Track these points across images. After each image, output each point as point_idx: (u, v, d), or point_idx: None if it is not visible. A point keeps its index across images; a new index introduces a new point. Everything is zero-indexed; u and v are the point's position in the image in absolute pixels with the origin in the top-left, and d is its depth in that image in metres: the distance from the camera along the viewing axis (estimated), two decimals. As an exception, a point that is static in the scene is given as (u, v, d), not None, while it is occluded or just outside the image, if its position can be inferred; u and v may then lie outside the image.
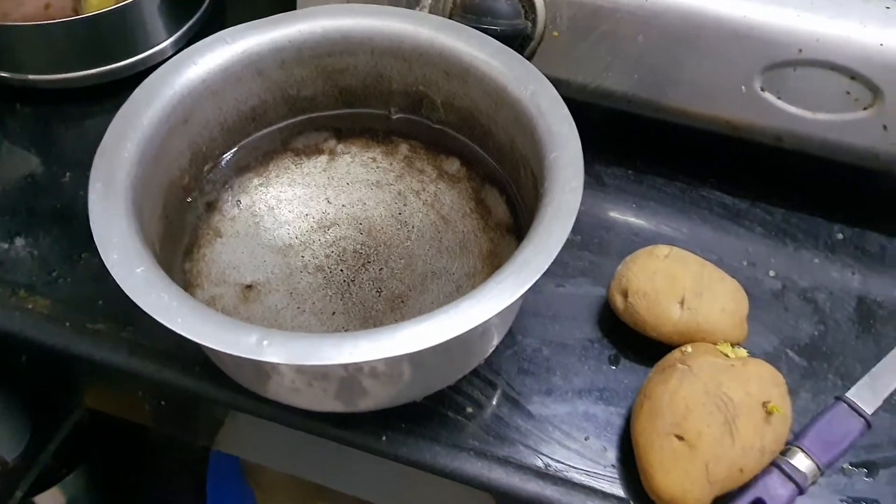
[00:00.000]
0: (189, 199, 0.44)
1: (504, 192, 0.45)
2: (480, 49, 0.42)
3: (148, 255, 0.34)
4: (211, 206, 0.44)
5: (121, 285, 0.32)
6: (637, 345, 0.43)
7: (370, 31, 0.44)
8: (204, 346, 0.31)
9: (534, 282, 0.32)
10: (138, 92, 0.40)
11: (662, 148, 0.53)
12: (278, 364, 0.30)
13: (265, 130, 0.47)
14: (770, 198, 0.50)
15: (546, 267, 0.33)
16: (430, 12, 0.50)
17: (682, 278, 0.42)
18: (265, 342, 0.30)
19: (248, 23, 0.43)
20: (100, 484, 0.82)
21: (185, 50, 0.42)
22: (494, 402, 0.42)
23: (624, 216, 0.50)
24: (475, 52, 0.42)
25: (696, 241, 0.48)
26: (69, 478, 0.76)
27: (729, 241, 0.49)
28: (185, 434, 0.57)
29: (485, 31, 0.45)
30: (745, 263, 0.47)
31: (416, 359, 0.35)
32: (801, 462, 0.37)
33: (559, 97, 0.40)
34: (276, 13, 0.63)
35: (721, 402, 0.37)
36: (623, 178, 0.52)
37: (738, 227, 0.49)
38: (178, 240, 0.43)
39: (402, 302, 0.41)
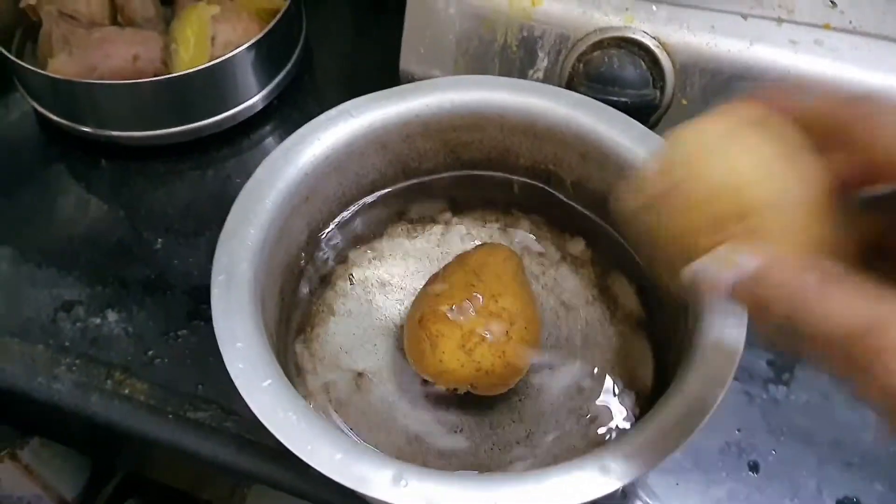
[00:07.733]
0: (302, 276, 0.42)
1: (634, 282, 0.42)
2: (625, 134, 0.39)
3: (273, 361, 0.32)
4: (324, 281, 0.42)
5: (248, 403, 0.30)
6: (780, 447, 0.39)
7: (501, 106, 0.41)
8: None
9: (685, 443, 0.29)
10: (260, 171, 0.38)
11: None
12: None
13: (381, 200, 0.45)
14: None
15: (700, 427, 0.30)
16: (545, 78, 0.46)
17: None
18: (403, 482, 0.28)
19: (371, 94, 0.41)
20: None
21: (307, 125, 0.40)
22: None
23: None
24: (618, 137, 0.39)
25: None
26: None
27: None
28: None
29: (612, 102, 0.41)
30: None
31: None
32: None
33: (712, 195, 0.36)
34: (368, 61, 0.60)
35: None
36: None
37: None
38: (291, 318, 0.41)
39: (520, 400, 0.39)
